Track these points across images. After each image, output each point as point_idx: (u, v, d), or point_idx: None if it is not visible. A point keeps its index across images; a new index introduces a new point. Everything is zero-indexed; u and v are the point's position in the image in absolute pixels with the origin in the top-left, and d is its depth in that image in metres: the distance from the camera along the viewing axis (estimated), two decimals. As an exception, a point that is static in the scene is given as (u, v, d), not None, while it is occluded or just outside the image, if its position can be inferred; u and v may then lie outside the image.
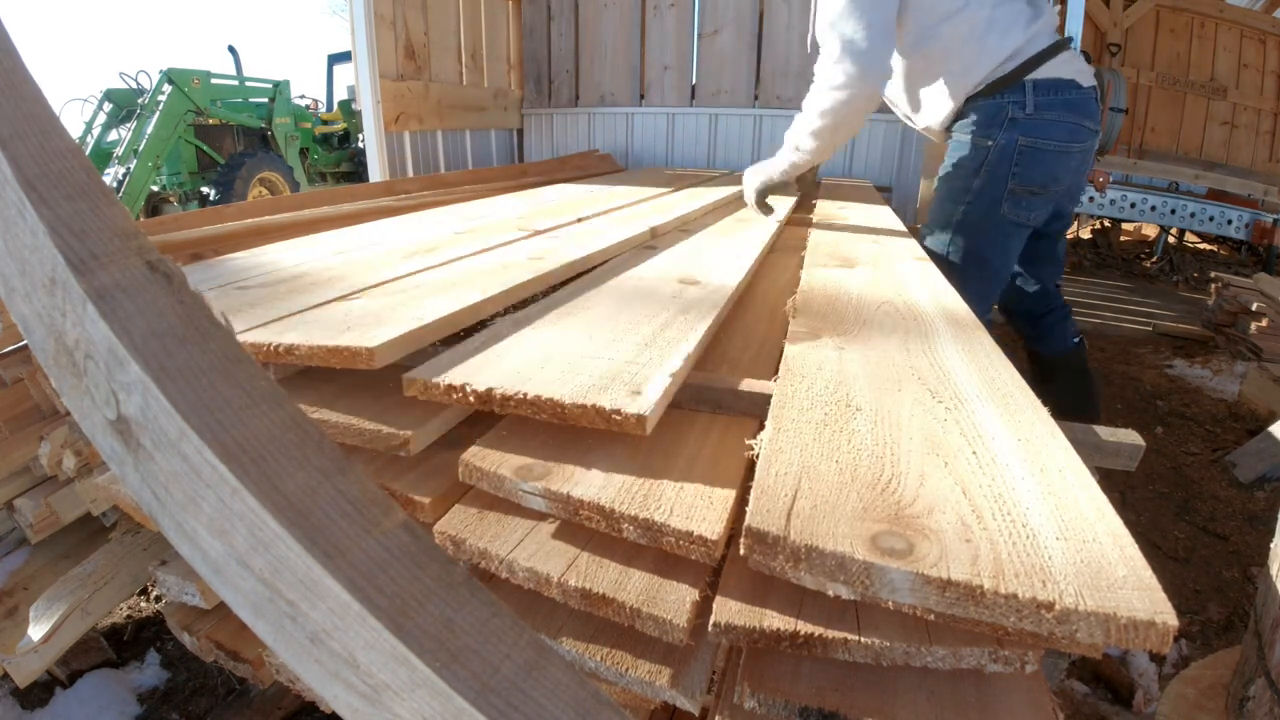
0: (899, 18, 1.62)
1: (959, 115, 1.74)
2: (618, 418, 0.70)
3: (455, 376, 0.77)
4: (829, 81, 1.62)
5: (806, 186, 2.11)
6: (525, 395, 0.73)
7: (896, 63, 1.78)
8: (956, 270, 1.72)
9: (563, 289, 1.18)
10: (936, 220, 1.82)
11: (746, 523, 0.56)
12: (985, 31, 1.61)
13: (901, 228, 2.06)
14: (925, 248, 1.77)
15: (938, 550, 0.52)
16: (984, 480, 0.63)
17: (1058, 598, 0.48)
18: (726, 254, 1.51)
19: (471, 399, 0.75)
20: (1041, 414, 0.77)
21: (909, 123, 1.99)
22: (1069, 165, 1.67)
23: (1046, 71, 1.59)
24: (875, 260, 1.57)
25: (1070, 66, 1.62)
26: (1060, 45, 1.62)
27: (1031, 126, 1.59)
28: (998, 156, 1.64)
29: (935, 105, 1.75)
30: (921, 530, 0.55)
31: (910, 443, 0.70)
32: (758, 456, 0.68)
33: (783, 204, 2.27)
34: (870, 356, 0.94)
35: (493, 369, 0.80)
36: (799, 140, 1.78)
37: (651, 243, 1.62)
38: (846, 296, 1.24)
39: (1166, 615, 0.47)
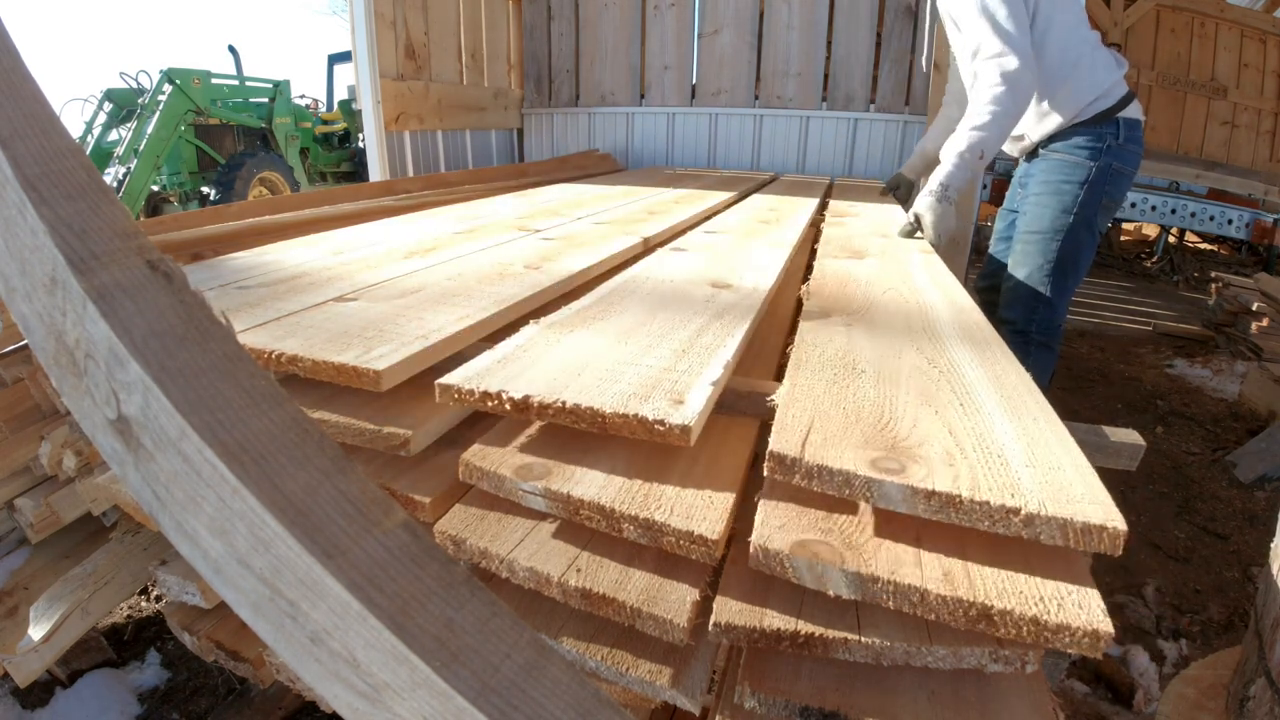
0: None
1: (1057, 136, 2.04)
2: (661, 429, 0.68)
3: (490, 384, 0.75)
4: (987, 104, 1.88)
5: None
6: (564, 404, 0.71)
7: None
8: (1058, 269, 2.04)
9: (590, 292, 1.16)
10: (1044, 226, 2.07)
11: (769, 448, 0.66)
12: (1091, 65, 1.96)
13: None
14: (1020, 250, 2.10)
15: (925, 470, 0.63)
16: (968, 424, 0.73)
17: (1023, 505, 0.58)
18: (755, 256, 1.50)
19: (508, 406, 0.73)
20: (1024, 378, 0.88)
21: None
22: (1127, 189, 2.09)
23: (1130, 112, 2.00)
24: (883, 252, 1.65)
25: (1139, 110, 2.02)
26: (1133, 93, 2.03)
27: (1120, 154, 1.99)
28: (1098, 176, 1.99)
29: (1044, 121, 2.04)
30: (913, 457, 0.65)
31: (907, 396, 0.80)
32: (775, 406, 0.77)
33: (805, 211, 2.28)
34: (875, 331, 1.03)
35: (528, 376, 0.78)
36: (961, 151, 1.96)
37: (679, 244, 1.61)
38: (856, 283, 1.32)
39: (1117, 522, 0.56)
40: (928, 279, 1.39)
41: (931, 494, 0.59)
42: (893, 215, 2.26)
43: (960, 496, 0.58)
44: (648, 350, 0.88)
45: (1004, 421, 0.74)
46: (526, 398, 0.73)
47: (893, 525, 0.64)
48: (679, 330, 0.97)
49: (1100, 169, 1.98)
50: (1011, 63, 1.81)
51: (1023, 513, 0.57)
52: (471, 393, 0.75)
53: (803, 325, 1.05)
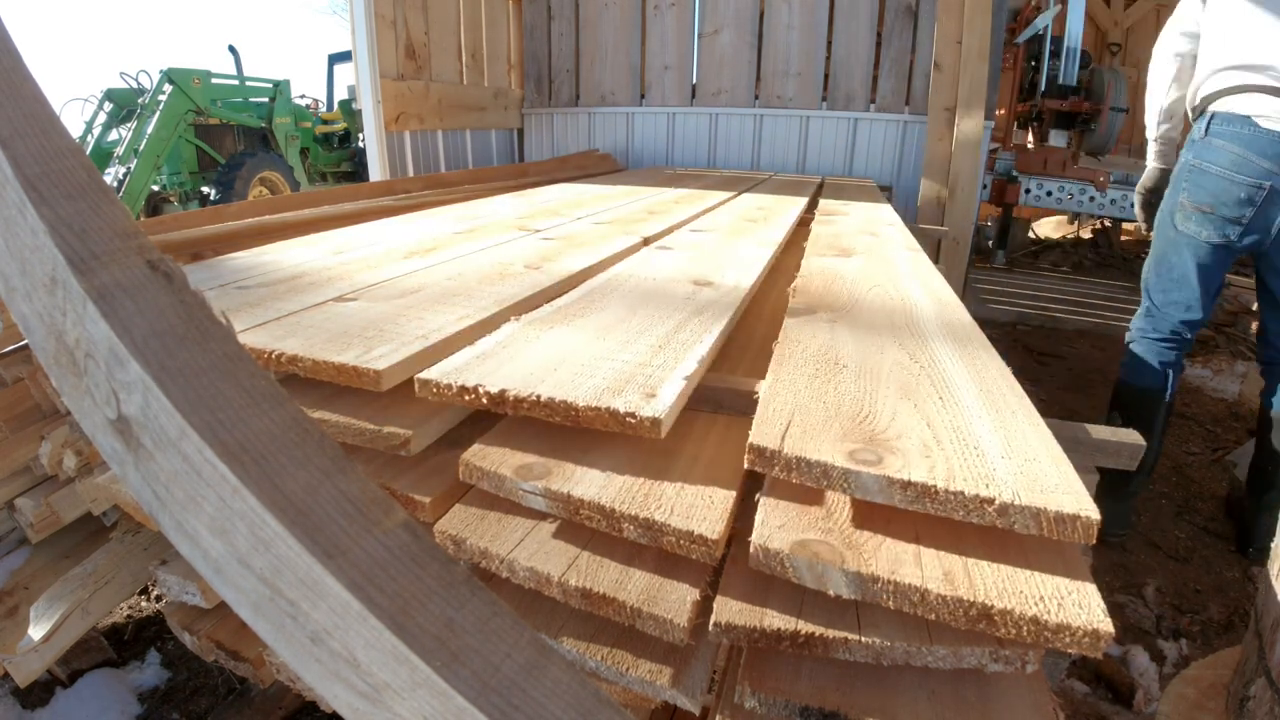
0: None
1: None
2: (632, 421, 0.70)
3: (468, 378, 0.76)
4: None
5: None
6: (538, 397, 0.73)
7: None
8: (1151, 268, 2.02)
9: (574, 289, 1.17)
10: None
11: (749, 441, 0.67)
12: (1206, 58, 1.84)
13: (899, 223, 2.08)
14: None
15: (902, 461, 0.63)
16: (946, 417, 0.74)
17: (998, 495, 0.58)
18: (740, 254, 1.51)
19: (484, 400, 0.75)
20: (1005, 372, 0.89)
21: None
22: (1235, 195, 1.77)
23: (1224, 105, 1.77)
24: (870, 250, 1.66)
25: (1253, 105, 1.73)
26: (1252, 87, 1.74)
27: (1202, 149, 1.81)
28: (1178, 172, 1.90)
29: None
30: (890, 449, 0.66)
31: (887, 391, 0.81)
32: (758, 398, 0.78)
33: (793, 209, 2.29)
34: (858, 327, 1.04)
35: (505, 370, 0.79)
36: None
37: (665, 243, 1.61)
38: (842, 280, 1.33)
39: (1090, 511, 0.57)
40: (913, 277, 1.40)
41: (907, 484, 0.60)
42: (881, 214, 2.27)
43: (935, 487, 0.59)
44: (625, 346, 0.89)
45: (982, 415, 0.75)
46: (503, 391, 0.74)
47: (893, 524, 0.64)
48: (657, 326, 0.97)
49: (1182, 166, 1.88)
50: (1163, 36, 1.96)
51: (997, 502, 0.58)
52: (449, 387, 0.76)
53: (787, 322, 1.06)
